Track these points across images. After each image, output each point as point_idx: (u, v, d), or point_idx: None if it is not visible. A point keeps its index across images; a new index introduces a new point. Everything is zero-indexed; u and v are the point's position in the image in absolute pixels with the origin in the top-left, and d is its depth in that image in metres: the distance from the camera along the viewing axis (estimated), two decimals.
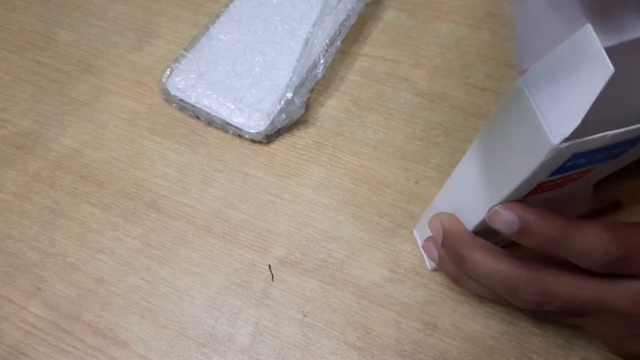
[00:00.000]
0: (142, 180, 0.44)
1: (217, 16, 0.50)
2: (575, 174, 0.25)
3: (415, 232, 0.41)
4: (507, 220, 0.26)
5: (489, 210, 0.26)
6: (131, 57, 0.50)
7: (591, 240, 0.25)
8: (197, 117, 0.47)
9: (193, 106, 0.46)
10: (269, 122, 0.44)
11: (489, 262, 0.28)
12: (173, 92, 0.46)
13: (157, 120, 0.47)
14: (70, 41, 0.52)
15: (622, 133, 0.22)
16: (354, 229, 0.41)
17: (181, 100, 0.46)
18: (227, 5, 0.50)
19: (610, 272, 0.27)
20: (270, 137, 0.45)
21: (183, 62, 0.48)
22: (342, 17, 0.48)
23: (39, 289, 0.41)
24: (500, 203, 0.26)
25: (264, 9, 0.50)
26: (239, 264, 0.41)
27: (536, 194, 0.26)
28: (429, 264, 0.40)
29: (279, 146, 0.45)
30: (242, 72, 0.47)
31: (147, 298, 0.40)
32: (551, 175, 0.24)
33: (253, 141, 0.45)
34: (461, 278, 0.33)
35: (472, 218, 0.29)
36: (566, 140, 0.21)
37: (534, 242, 0.26)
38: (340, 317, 0.39)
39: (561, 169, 0.24)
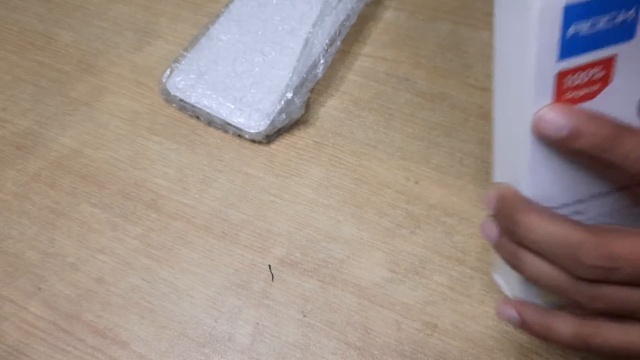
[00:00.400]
0: (142, 180, 0.45)
1: (217, 16, 0.50)
2: (597, 62, 0.24)
3: (496, 277, 0.34)
4: (556, 123, 0.24)
5: (534, 116, 0.24)
6: (131, 57, 0.50)
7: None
8: (197, 117, 0.47)
9: (193, 106, 0.46)
10: (269, 122, 0.44)
11: (546, 225, 0.26)
12: (173, 92, 0.47)
13: (157, 121, 0.47)
14: (71, 41, 0.52)
15: None
16: (354, 229, 0.41)
17: (181, 100, 0.46)
18: (227, 6, 0.50)
19: None
20: (270, 137, 0.45)
21: (183, 62, 0.48)
22: (342, 17, 0.48)
23: (39, 289, 0.41)
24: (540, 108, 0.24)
25: (264, 9, 0.50)
26: (239, 264, 0.41)
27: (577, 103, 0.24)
28: (509, 291, 0.34)
29: (279, 146, 0.45)
30: (242, 72, 0.47)
31: (147, 298, 0.40)
32: (563, 56, 0.23)
33: (253, 141, 0.45)
34: (518, 254, 0.29)
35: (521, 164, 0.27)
36: None
37: (585, 145, 0.24)
38: (340, 317, 0.39)
39: (570, 46, 0.23)
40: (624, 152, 0.23)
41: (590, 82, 0.24)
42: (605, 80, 0.24)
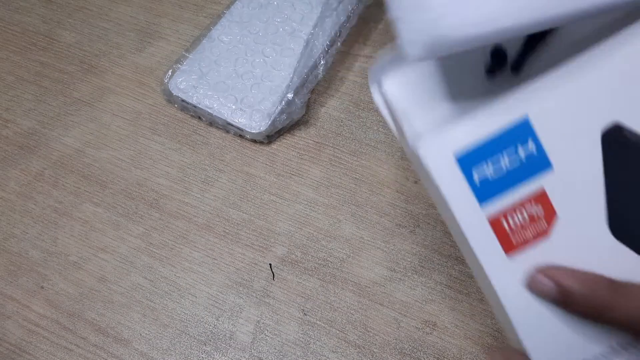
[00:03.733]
0: (144, 180, 0.45)
1: (219, 17, 0.50)
2: (527, 199, 0.23)
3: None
4: (545, 287, 0.23)
5: (528, 276, 0.24)
6: (133, 57, 0.51)
7: (637, 306, 0.22)
8: (199, 118, 0.47)
9: (195, 107, 0.46)
10: (269, 122, 0.44)
11: None
12: (175, 92, 0.47)
13: (159, 121, 0.47)
14: (73, 42, 0.52)
15: None
16: (354, 228, 0.42)
17: (183, 100, 0.47)
18: (228, 7, 0.51)
19: None
20: (271, 137, 0.46)
21: (185, 63, 0.48)
22: (342, 19, 0.49)
23: (42, 287, 0.41)
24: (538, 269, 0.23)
25: (265, 10, 0.50)
26: (240, 263, 0.41)
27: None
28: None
29: (279, 146, 0.46)
30: (243, 73, 0.47)
31: (149, 296, 0.40)
32: (483, 202, 0.23)
33: (254, 141, 0.46)
34: None
35: None
36: None
37: (576, 311, 0.23)
38: (341, 315, 0.39)
39: (484, 190, 0.23)
40: (617, 318, 0.23)
41: (533, 220, 0.23)
42: (550, 216, 0.23)
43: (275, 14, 0.50)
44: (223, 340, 0.39)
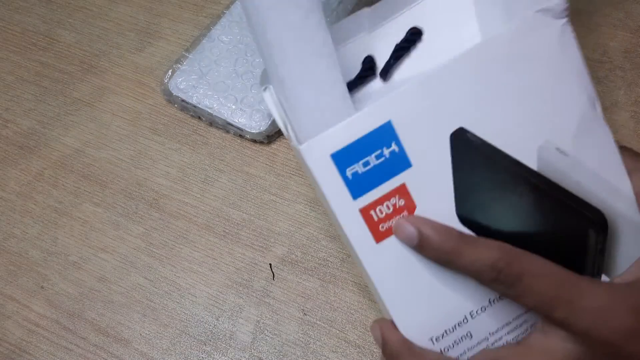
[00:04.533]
0: (144, 180, 0.45)
1: (219, 17, 0.50)
2: (391, 193, 0.27)
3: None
4: (409, 232, 0.26)
5: (394, 221, 0.27)
6: (133, 57, 0.51)
7: (481, 254, 0.25)
8: (199, 118, 0.47)
9: (194, 106, 0.46)
10: (269, 122, 0.44)
11: None
12: (175, 92, 0.47)
13: (159, 121, 0.48)
14: (73, 42, 0.52)
15: None
16: None
17: (183, 100, 0.47)
18: (228, 7, 0.51)
19: (503, 295, 0.27)
20: (271, 137, 0.46)
21: (185, 63, 0.48)
22: (342, 19, 0.49)
23: (42, 287, 0.41)
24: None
25: None
26: (240, 263, 0.41)
27: None
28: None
29: (279, 146, 0.46)
30: (243, 73, 0.47)
31: (149, 296, 0.40)
32: (356, 195, 0.26)
33: (254, 141, 0.46)
34: None
35: None
36: None
37: (431, 255, 0.26)
38: (341, 315, 0.39)
39: (356, 185, 0.26)
40: (464, 264, 0.26)
41: (396, 211, 0.27)
42: (410, 207, 0.27)
43: None
44: (223, 340, 0.39)
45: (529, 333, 0.28)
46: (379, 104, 0.26)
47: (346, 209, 0.26)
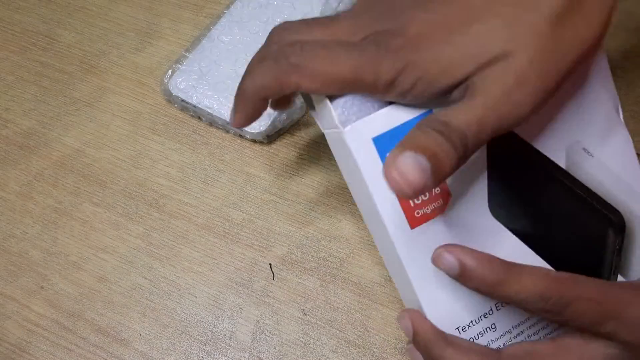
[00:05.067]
0: (144, 180, 0.45)
1: (219, 17, 0.50)
2: None
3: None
4: (449, 263, 0.26)
5: (435, 251, 0.26)
6: (133, 57, 0.51)
7: (527, 285, 0.25)
8: (199, 118, 0.47)
9: (194, 106, 0.46)
10: (269, 122, 0.44)
11: None
12: (175, 92, 0.47)
13: (159, 121, 0.47)
14: (73, 42, 0.52)
15: None
16: (354, 228, 0.42)
17: (183, 100, 0.47)
18: (228, 7, 0.51)
19: (549, 320, 0.27)
20: (271, 137, 0.46)
21: (185, 63, 0.48)
22: None
23: (42, 287, 0.41)
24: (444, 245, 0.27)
25: (265, 10, 0.50)
26: (240, 263, 0.41)
27: None
28: None
29: (279, 146, 0.46)
30: (243, 73, 0.47)
31: (148, 296, 0.40)
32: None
33: (254, 141, 0.46)
34: None
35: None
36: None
37: (474, 286, 0.26)
38: (341, 315, 0.39)
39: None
40: (509, 294, 0.25)
41: (432, 199, 0.27)
42: (445, 196, 0.27)
43: (275, 14, 0.50)
44: (223, 340, 0.39)
45: (565, 332, 0.27)
46: None
47: (384, 193, 0.27)
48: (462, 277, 0.26)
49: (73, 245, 0.43)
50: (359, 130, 0.26)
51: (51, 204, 0.44)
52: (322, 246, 0.41)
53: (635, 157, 0.28)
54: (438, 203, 0.27)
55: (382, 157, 0.26)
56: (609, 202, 0.26)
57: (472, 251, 0.26)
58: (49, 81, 0.50)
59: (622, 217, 0.25)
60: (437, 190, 0.27)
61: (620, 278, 0.28)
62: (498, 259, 0.26)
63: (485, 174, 0.27)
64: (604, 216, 0.25)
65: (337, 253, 0.41)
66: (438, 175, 0.22)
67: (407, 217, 0.27)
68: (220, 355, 0.38)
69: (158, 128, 0.47)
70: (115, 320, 0.40)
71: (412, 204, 0.27)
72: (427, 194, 0.27)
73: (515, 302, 0.25)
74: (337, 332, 0.38)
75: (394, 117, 0.26)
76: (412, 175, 0.22)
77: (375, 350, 0.38)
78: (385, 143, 0.26)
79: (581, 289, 0.25)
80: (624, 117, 0.29)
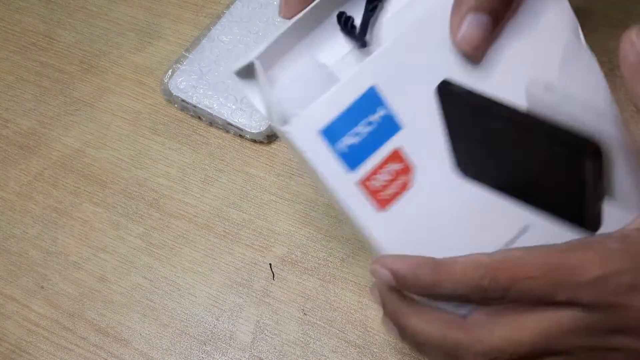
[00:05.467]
0: (144, 180, 0.45)
1: (219, 17, 0.50)
2: (387, 159, 0.26)
3: None
4: (383, 275, 0.25)
5: (369, 266, 0.26)
6: (133, 57, 0.51)
7: (460, 279, 0.24)
8: (199, 118, 0.47)
9: (194, 106, 0.46)
10: (269, 122, 0.44)
11: (425, 328, 0.26)
12: (175, 92, 0.47)
13: (159, 121, 0.48)
14: (73, 42, 0.52)
15: None
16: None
17: (183, 100, 0.47)
18: (228, 7, 0.51)
19: (500, 304, 0.25)
20: (271, 137, 0.46)
21: (185, 63, 0.48)
22: None
23: (42, 287, 0.41)
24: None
25: (265, 10, 0.50)
26: (240, 263, 0.41)
27: None
28: None
29: (279, 146, 0.46)
30: None
31: (148, 296, 0.40)
32: (352, 167, 0.26)
33: (254, 141, 0.46)
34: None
35: None
36: None
37: (415, 292, 0.26)
38: (341, 315, 0.39)
39: (350, 157, 0.26)
40: (448, 293, 0.25)
41: (396, 175, 0.26)
42: (406, 169, 0.26)
43: (275, 14, 0.50)
44: (223, 340, 0.39)
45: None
46: (359, 70, 0.25)
47: (344, 184, 0.26)
48: (400, 286, 0.25)
49: (73, 245, 0.43)
50: (302, 125, 0.25)
51: (51, 204, 0.44)
52: (322, 246, 0.41)
53: (602, 76, 0.26)
54: (402, 179, 0.26)
55: (334, 147, 0.25)
56: (578, 131, 0.24)
57: (403, 258, 0.25)
58: (48, 81, 0.50)
59: (595, 142, 0.24)
60: (398, 166, 0.26)
61: (607, 204, 0.27)
62: (429, 259, 0.25)
63: (443, 135, 0.26)
64: (577, 147, 0.24)
65: (337, 253, 0.41)
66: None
67: (373, 201, 0.26)
68: (220, 355, 0.38)
69: (158, 128, 0.47)
70: (115, 320, 0.40)
71: (375, 187, 0.26)
72: (388, 173, 0.26)
73: (457, 298, 0.25)
74: (337, 332, 0.38)
75: (336, 102, 0.25)
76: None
77: (375, 350, 0.38)
78: (333, 133, 0.25)
79: (518, 269, 0.24)
80: (624, 117, 0.28)
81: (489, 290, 0.24)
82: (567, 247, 0.25)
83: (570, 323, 0.25)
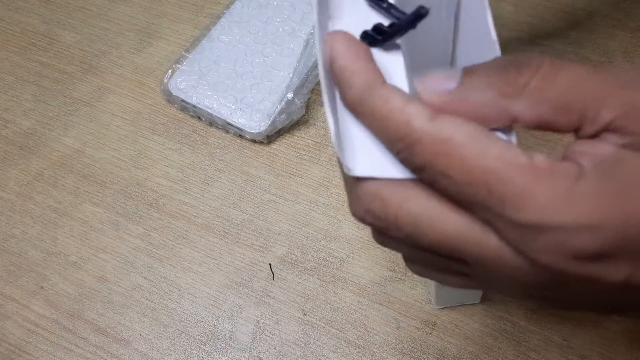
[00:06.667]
0: (144, 180, 0.45)
1: (218, 17, 0.50)
2: None
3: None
4: (324, 52, 0.22)
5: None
6: (133, 57, 0.51)
7: (386, 123, 0.20)
8: (199, 118, 0.47)
9: (194, 107, 0.46)
10: (269, 122, 0.44)
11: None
12: (175, 92, 0.47)
13: (158, 121, 0.48)
14: (73, 42, 0.52)
15: None
16: (354, 228, 0.42)
17: (183, 100, 0.47)
18: (228, 7, 0.51)
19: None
20: (271, 137, 0.46)
21: (184, 63, 0.48)
22: None
23: (42, 287, 0.41)
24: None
25: (265, 10, 0.50)
26: (240, 263, 0.41)
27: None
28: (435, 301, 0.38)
29: (279, 146, 0.46)
30: (243, 73, 0.47)
31: (148, 296, 0.40)
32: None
33: (254, 141, 0.46)
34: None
35: None
36: None
37: (348, 100, 0.22)
38: (340, 315, 0.39)
39: None
40: (371, 126, 0.21)
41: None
42: None
43: (275, 14, 0.50)
44: (223, 340, 0.39)
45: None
46: None
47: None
48: (333, 73, 0.22)
49: (73, 245, 0.43)
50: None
51: (51, 204, 0.44)
52: (322, 246, 0.41)
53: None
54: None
55: None
56: None
57: (345, 35, 0.22)
58: (48, 81, 0.50)
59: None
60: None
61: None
62: (379, 75, 0.21)
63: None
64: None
65: (337, 253, 0.41)
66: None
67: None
68: (220, 355, 0.38)
69: (158, 128, 0.47)
70: (115, 320, 0.40)
71: None
72: None
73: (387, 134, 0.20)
74: (337, 332, 0.38)
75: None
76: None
77: (375, 350, 0.38)
78: None
79: (441, 158, 0.19)
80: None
81: (399, 155, 0.20)
82: (522, 163, 0.18)
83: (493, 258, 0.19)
